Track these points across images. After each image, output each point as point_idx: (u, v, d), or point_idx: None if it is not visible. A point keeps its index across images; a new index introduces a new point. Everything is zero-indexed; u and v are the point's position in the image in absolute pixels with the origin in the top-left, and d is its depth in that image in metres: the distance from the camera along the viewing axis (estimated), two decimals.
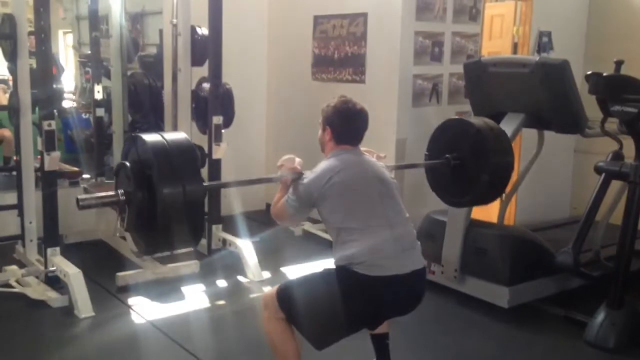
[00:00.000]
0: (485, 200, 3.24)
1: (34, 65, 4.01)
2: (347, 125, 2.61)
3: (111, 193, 2.31)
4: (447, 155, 3.06)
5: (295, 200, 2.56)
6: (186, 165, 2.27)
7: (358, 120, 2.63)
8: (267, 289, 4.07)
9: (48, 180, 3.92)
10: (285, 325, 2.53)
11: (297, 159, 2.67)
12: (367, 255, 2.43)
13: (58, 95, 4.50)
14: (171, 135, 2.34)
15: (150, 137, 2.28)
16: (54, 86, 4.18)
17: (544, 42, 5.45)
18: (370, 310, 2.49)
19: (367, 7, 5.00)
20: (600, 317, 3.52)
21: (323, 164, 2.58)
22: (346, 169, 2.53)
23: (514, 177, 5.17)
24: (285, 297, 2.52)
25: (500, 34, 5.64)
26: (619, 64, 3.49)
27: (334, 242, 2.54)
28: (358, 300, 2.44)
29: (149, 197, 2.20)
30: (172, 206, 2.19)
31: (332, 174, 2.50)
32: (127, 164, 2.29)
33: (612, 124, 3.72)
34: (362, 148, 2.69)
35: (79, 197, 2.27)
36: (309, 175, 2.57)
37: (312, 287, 2.52)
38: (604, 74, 3.47)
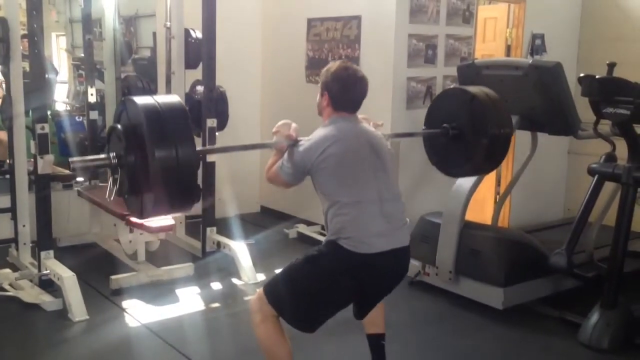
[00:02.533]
0: (485, 168, 3.21)
1: (27, 68, 4.00)
2: (345, 93, 2.57)
3: (103, 156, 2.28)
4: (445, 125, 3.04)
5: (290, 167, 2.55)
6: (179, 128, 2.21)
7: (357, 88, 2.58)
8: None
9: (41, 184, 3.91)
10: (278, 327, 2.52)
11: (293, 125, 2.64)
12: (354, 232, 2.43)
13: (49, 87, 4.44)
14: (163, 98, 2.28)
15: (142, 100, 2.24)
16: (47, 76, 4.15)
17: (537, 45, 5.48)
18: (354, 284, 2.47)
19: (361, 10, 5.01)
20: (594, 317, 3.53)
21: (319, 132, 2.55)
22: (342, 140, 2.50)
23: (509, 178, 5.20)
24: (272, 290, 2.53)
25: (493, 37, 5.66)
26: (611, 66, 3.50)
27: (324, 214, 2.53)
28: (342, 274, 2.44)
29: (141, 160, 2.16)
30: (164, 169, 2.14)
31: (328, 144, 2.48)
32: (119, 126, 2.24)
33: (605, 126, 3.74)
34: (360, 115, 2.66)
35: (72, 159, 2.25)
36: (304, 143, 2.54)
37: (297, 272, 2.52)
38: (597, 77, 3.48)
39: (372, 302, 2.70)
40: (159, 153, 2.13)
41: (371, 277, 2.48)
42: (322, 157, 2.46)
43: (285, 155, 2.59)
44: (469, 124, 3.00)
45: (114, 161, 2.25)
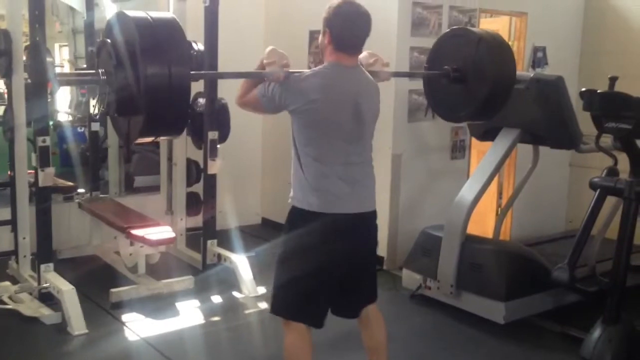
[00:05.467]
0: (484, 114, 3.12)
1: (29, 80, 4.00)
2: (347, 29, 2.48)
3: (91, 71, 2.18)
4: (446, 67, 2.95)
5: (275, 97, 2.48)
6: (173, 46, 2.11)
7: (358, 24, 2.49)
8: (263, 305, 4.07)
9: (42, 196, 3.90)
10: (303, 341, 2.56)
11: (285, 54, 2.54)
12: (313, 186, 2.48)
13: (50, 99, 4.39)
14: (158, 14, 2.18)
15: (134, 14, 2.13)
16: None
17: (538, 58, 5.48)
18: (325, 247, 2.49)
19: None
20: (596, 333, 3.50)
21: (311, 76, 2.49)
22: (329, 92, 2.46)
23: (510, 191, 5.18)
24: (274, 302, 2.63)
25: None
26: (613, 80, 3.49)
27: (292, 160, 2.54)
28: (306, 235, 2.48)
29: (131, 77, 2.06)
30: (155, 88, 2.04)
31: (314, 96, 2.43)
32: (109, 41, 2.14)
33: (607, 139, 3.73)
34: (365, 52, 2.62)
35: (58, 72, 2.20)
36: (297, 81, 2.47)
37: (279, 263, 2.64)
38: (599, 91, 3.47)
39: (356, 278, 2.66)
40: (150, 71, 2.02)
41: (339, 238, 2.50)
42: (306, 107, 2.44)
43: (272, 84, 2.50)
44: (471, 67, 2.89)
45: (102, 78, 2.14)
